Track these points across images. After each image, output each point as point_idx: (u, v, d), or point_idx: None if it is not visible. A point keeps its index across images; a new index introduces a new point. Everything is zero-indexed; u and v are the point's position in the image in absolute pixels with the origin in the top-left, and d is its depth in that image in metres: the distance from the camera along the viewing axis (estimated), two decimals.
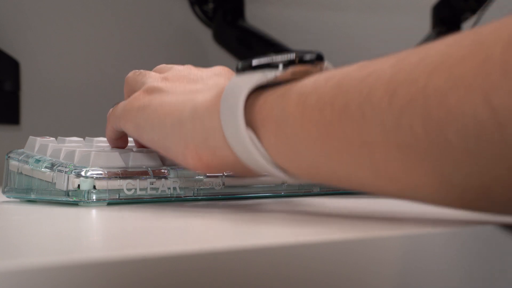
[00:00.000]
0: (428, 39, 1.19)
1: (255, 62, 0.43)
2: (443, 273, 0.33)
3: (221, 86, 0.45)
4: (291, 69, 0.42)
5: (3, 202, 0.55)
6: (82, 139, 0.58)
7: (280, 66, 0.42)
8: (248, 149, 0.42)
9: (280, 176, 0.43)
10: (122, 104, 0.52)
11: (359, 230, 0.35)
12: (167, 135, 0.48)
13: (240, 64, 0.44)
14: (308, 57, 0.43)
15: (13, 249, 0.29)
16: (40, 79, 1.15)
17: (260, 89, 0.43)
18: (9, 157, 0.56)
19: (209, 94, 0.46)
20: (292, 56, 0.43)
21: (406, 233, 0.33)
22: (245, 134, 0.42)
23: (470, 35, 0.34)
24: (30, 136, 0.57)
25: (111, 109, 0.54)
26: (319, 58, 0.43)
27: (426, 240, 0.33)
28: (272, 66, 0.43)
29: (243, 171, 0.45)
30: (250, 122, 0.43)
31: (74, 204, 0.51)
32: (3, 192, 0.56)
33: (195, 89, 0.48)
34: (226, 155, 0.44)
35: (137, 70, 0.55)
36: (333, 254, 0.30)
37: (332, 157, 0.39)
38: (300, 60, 0.43)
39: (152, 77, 0.52)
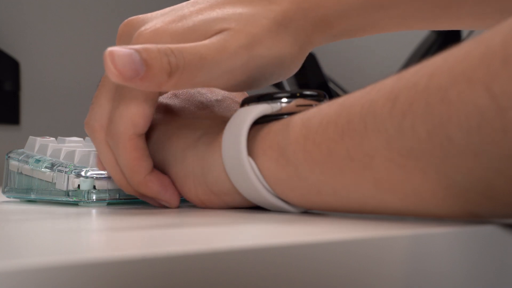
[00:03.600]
0: (428, 39, 1.19)
1: (260, 95, 0.45)
2: (446, 273, 0.33)
3: (226, 122, 0.46)
4: (295, 101, 0.44)
5: (3, 202, 0.55)
6: (82, 139, 0.58)
7: (284, 98, 0.44)
8: (247, 177, 0.42)
9: (279, 205, 0.43)
10: None
11: (362, 230, 0.35)
12: (169, 163, 0.48)
13: (245, 98, 0.45)
14: (309, 91, 0.44)
15: (13, 249, 0.29)
16: (40, 79, 1.15)
17: (265, 122, 0.44)
18: (9, 157, 0.56)
19: (213, 131, 0.46)
20: (295, 91, 0.45)
21: (409, 233, 0.33)
22: (246, 161, 0.42)
23: (470, 40, 0.34)
24: (30, 136, 0.57)
25: None
26: (321, 95, 0.45)
27: (428, 240, 0.33)
28: (276, 98, 0.44)
29: (239, 206, 0.46)
30: (251, 152, 0.43)
31: (74, 204, 0.51)
32: (3, 192, 0.56)
33: (201, 116, 0.49)
34: (223, 192, 0.45)
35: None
36: (335, 254, 0.30)
37: (334, 178, 0.39)
38: (302, 95, 0.44)
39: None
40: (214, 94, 0.52)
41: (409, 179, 0.36)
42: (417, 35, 1.21)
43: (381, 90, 0.37)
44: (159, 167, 0.50)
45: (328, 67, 1.17)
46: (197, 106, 0.51)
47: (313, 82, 1.13)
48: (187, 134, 0.48)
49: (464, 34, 1.20)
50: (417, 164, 0.35)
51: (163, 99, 0.51)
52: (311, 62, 1.13)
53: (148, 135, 0.50)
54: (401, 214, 0.38)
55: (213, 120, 0.49)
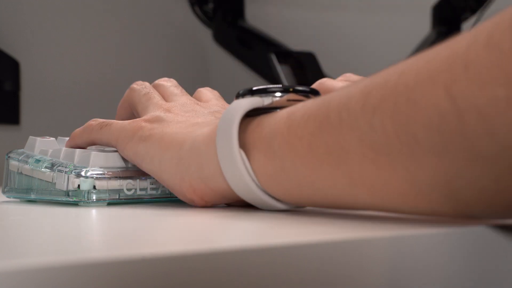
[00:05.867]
0: (428, 39, 1.19)
1: (254, 88, 0.45)
2: (434, 274, 0.33)
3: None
4: (287, 96, 0.44)
5: (3, 202, 0.55)
6: None
7: (278, 92, 0.44)
8: (239, 171, 0.43)
9: (267, 201, 0.43)
10: (117, 126, 0.52)
11: (348, 231, 0.35)
12: (165, 170, 0.48)
13: (240, 91, 0.46)
14: (302, 87, 0.45)
15: (13, 249, 0.29)
16: (40, 79, 1.15)
17: (257, 115, 0.44)
18: (9, 157, 0.56)
19: (208, 128, 0.47)
20: (289, 86, 0.45)
21: (396, 234, 0.33)
22: (237, 154, 0.42)
23: (440, 43, 0.35)
24: (30, 136, 0.57)
25: (93, 122, 0.54)
26: (314, 91, 0.45)
27: (416, 241, 0.33)
28: (269, 92, 0.45)
29: (234, 202, 0.46)
30: (243, 145, 0.43)
31: (74, 204, 0.51)
32: (3, 192, 0.56)
33: (195, 122, 0.50)
34: (219, 186, 0.45)
35: (143, 85, 0.55)
36: (321, 255, 0.30)
37: (313, 171, 0.39)
38: (295, 90, 0.45)
39: (156, 106, 0.53)
40: (207, 109, 0.53)
41: (379, 174, 0.36)
42: (417, 35, 1.21)
43: (357, 86, 0.38)
44: (151, 173, 0.50)
45: (328, 67, 1.17)
46: (190, 114, 0.51)
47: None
48: (184, 137, 0.48)
49: None
50: (388, 159, 0.36)
51: (157, 112, 0.51)
52: (311, 62, 1.13)
53: (147, 140, 0.50)
54: (370, 209, 0.39)
55: (208, 122, 0.49)
